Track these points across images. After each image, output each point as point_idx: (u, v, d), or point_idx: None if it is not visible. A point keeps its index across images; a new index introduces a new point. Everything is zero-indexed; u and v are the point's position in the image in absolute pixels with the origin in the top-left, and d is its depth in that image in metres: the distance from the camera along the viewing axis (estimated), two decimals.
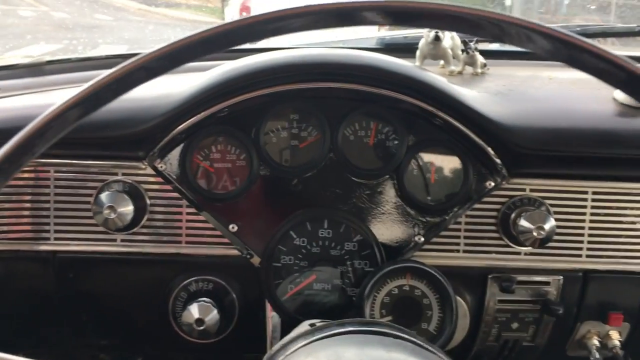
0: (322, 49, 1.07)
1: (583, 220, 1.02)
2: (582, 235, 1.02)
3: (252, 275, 1.01)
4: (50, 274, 1.01)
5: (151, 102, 0.96)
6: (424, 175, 1.02)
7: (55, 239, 0.99)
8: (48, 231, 0.99)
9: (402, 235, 1.02)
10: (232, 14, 8.84)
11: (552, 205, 1.01)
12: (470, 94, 1.02)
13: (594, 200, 1.02)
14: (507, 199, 1.01)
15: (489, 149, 0.98)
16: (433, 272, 0.94)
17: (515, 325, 1.06)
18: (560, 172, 1.02)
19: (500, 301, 1.04)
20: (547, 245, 1.00)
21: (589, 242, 1.03)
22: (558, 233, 1.00)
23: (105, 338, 1.10)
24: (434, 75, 1.01)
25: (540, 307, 1.04)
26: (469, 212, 1.01)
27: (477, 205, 1.01)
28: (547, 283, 1.04)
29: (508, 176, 1.00)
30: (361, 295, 0.94)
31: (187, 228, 1.00)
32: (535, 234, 0.97)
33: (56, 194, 0.98)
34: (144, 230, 0.99)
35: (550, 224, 0.98)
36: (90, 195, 0.97)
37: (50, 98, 1.03)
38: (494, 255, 1.02)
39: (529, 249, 1.02)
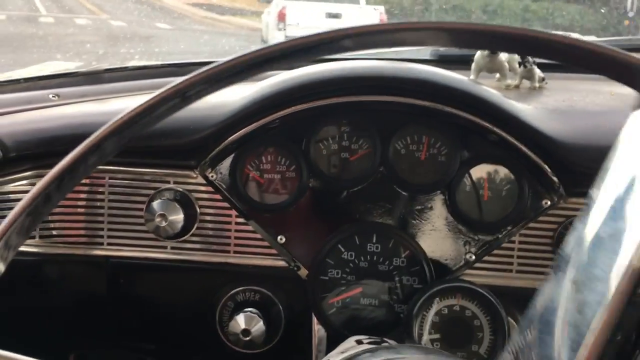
0: (375, 61, 1.06)
1: None
2: None
3: (299, 287, 1.00)
4: (102, 278, 1.03)
5: (204, 112, 0.97)
6: (476, 191, 0.99)
7: (109, 244, 1.01)
8: (102, 236, 1.01)
9: (452, 252, 1.00)
10: (270, 20, 8.76)
11: None
12: (527, 110, 0.99)
13: None
14: (564, 218, 0.97)
15: (546, 167, 0.95)
16: (485, 293, 0.91)
17: None
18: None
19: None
20: None
21: None
22: None
23: (152, 343, 1.12)
24: (490, 89, 0.99)
25: None
26: (523, 231, 0.98)
27: (532, 225, 0.98)
28: None
29: (566, 195, 0.96)
30: (410, 314, 0.92)
31: (236, 238, 1.01)
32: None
33: (110, 201, 1.00)
34: (194, 239, 1.00)
35: None
36: (142, 202, 0.99)
37: (108, 106, 1.05)
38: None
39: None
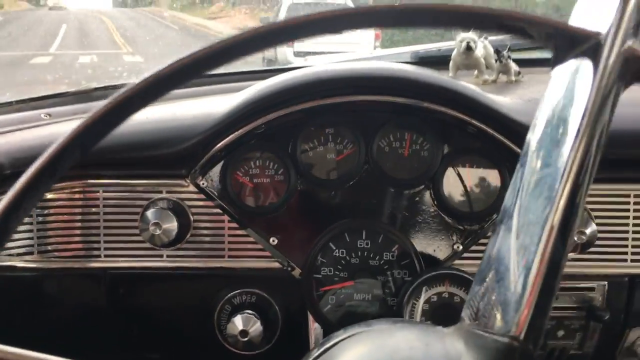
0: (354, 62, 1.10)
1: (626, 224, 1.01)
2: (626, 239, 1.01)
3: (294, 287, 1.03)
4: (101, 290, 1.05)
5: (191, 122, 1.00)
6: (460, 183, 1.02)
7: (106, 256, 1.03)
8: (99, 249, 1.03)
9: (440, 244, 1.02)
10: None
11: (593, 210, 1.00)
12: (503, 101, 1.03)
13: (636, 203, 1.00)
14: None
15: None
16: (471, 278, 0.94)
17: (560, 332, 1.05)
18: (601, 176, 1.00)
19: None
20: (590, 250, 0.99)
21: (634, 247, 1.01)
22: (600, 238, 0.99)
23: (154, 352, 1.14)
24: (466, 84, 1.03)
25: (585, 314, 1.03)
26: None
27: None
28: (591, 289, 1.02)
29: None
30: (400, 303, 0.95)
31: (230, 242, 1.03)
32: (576, 238, 0.97)
33: (105, 213, 1.02)
34: (189, 246, 1.03)
35: (591, 228, 0.97)
36: (137, 213, 1.02)
37: None
38: None
39: (571, 254, 1.01)
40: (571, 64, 0.42)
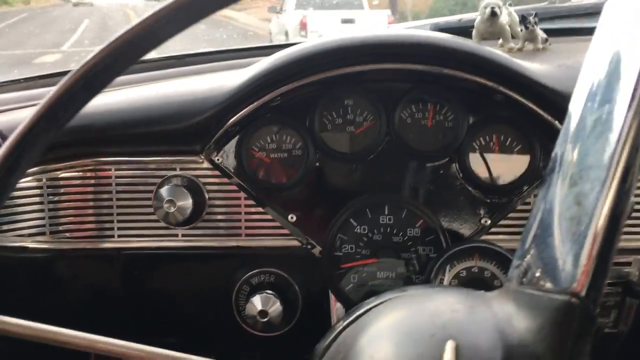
0: (373, 31, 1.05)
1: None
2: None
3: (314, 266, 0.99)
4: (115, 272, 1.02)
5: (204, 95, 0.96)
6: (487, 155, 0.97)
7: (119, 236, 1.00)
8: (112, 229, 1.00)
9: (467, 218, 0.98)
10: (291, 28, 9.18)
11: None
12: (532, 67, 0.97)
13: None
14: None
15: (557, 123, 0.93)
16: (502, 251, 0.89)
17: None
18: None
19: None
20: (626, 222, 0.94)
21: None
22: (637, 210, 0.94)
23: (171, 335, 1.11)
24: (492, 49, 0.97)
25: (621, 290, 0.97)
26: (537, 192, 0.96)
27: None
28: (627, 264, 0.97)
29: None
30: (427, 279, 0.90)
31: (247, 220, 1.00)
32: None
33: (118, 192, 0.99)
34: (204, 224, 0.99)
35: None
36: (150, 192, 0.98)
37: (105, 97, 1.04)
38: None
39: None
40: None
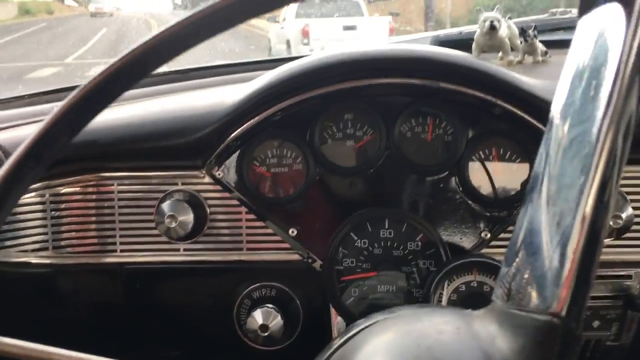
0: (372, 45, 1.06)
1: None
2: None
3: (315, 279, 0.99)
4: (118, 286, 1.03)
5: (205, 111, 0.97)
6: (486, 168, 0.98)
7: (122, 250, 1.01)
8: (114, 244, 1.01)
9: (467, 232, 0.98)
10: (292, 36, 9.20)
11: (629, 193, 0.95)
12: (530, 81, 0.98)
13: None
14: None
15: None
16: (501, 265, 0.89)
17: (596, 323, 0.99)
18: (637, 157, 0.95)
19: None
20: (626, 235, 0.94)
21: None
22: (637, 222, 0.94)
23: (173, 349, 1.11)
24: (490, 64, 0.98)
25: (622, 303, 0.97)
26: None
27: None
28: (628, 277, 0.97)
29: None
30: (426, 294, 0.91)
31: (248, 235, 1.00)
32: (611, 223, 0.91)
33: (120, 207, 1.00)
34: (206, 239, 1.00)
35: (627, 212, 0.92)
36: (152, 206, 0.99)
37: (109, 113, 1.05)
38: None
39: (606, 240, 0.95)
40: (600, 12, 0.38)
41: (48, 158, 0.40)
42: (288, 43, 9.38)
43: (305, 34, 8.99)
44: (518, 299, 0.36)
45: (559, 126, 0.38)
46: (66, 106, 0.40)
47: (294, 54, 8.88)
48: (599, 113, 0.34)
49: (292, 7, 9.57)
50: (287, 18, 9.66)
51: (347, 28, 9.16)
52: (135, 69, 0.40)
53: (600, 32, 0.37)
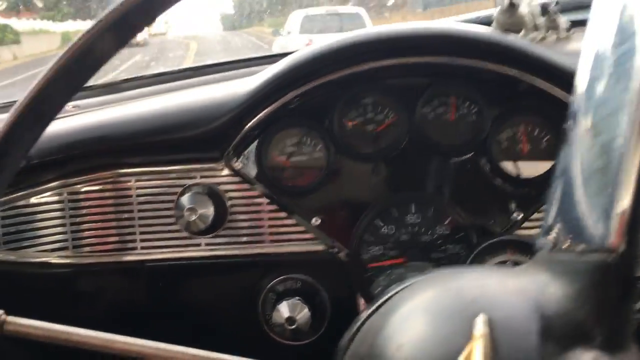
0: (385, 26, 1.03)
1: None
2: None
3: (341, 270, 0.96)
4: (140, 284, 1.01)
5: (220, 101, 0.95)
6: (515, 146, 0.94)
7: (142, 248, 0.98)
8: (134, 241, 0.98)
9: (498, 214, 0.94)
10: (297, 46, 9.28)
11: None
12: (556, 54, 0.94)
13: None
14: None
15: None
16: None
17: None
18: None
19: None
20: None
21: None
22: None
23: (198, 347, 1.08)
24: (512, 37, 0.94)
25: None
26: None
27: None
28: None
29: None
30: None
31: (270, 226, 0.97)
32: None
33: (139, 203, 0.98)
34: (227, 232, 0.97)
35: None
36: (172, 201, 0.97)
37: (124, 109, 1.04)
38: None
39: None
40: None
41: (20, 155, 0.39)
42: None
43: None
44: (567, 243, 0.33)
45: (598, 56, 0.35)
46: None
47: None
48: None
49: (297, 22, 9.60)
50: (292, 32, 9.68)
51: None
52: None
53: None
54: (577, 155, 0.33)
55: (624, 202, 0.29)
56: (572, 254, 0.32)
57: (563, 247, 0.33)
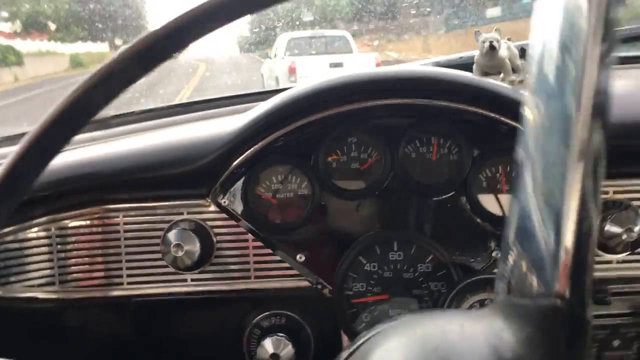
0: (370, 69, 1.06)
1: None
2: None
3: (325, 306, 0.97)
4: (126, 319, 1.01)
5: (208, 138, 0.97)
6: (494, 186, 0.96)
7: (129, 283, 0.99)
8: (121, 276, 0.99)
9: (478, 252, 0.96)
10: (280, 73, 9.35)
11: None
12: None
13: None
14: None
15: None
16: None
17: (616, 342, 0.96)
18: None
19: (596, 316, 0.95)
20: None
21: None
22: None
23: None
24: (493, 81, 0.98)
25: None
26: None
27: None
28: None
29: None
30: None
31: (255, 262, 0.99)
32: (625, 237, 0.90)
33: (126, 239, 0.99)
34: (213, 268, 0.99)
35: None
36: (159, 237, 0.98)
37: (114, 145, 1.06)
38: None
39: (621, 256, 0.93)
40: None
41: (22, 190, 0.39)
42: (277, 79, 9.56)
43: (292, 70, 9.12)
44: (519, 288, 0.35)
45: (536, 107, 0.37)
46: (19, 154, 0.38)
47: (281, 85, 9.00)
48: (570, 82, 0.32)
49: (283, 45, 9.71)
50: (278, 54, 9.80)
51: (333, 65, 9.25)
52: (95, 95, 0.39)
53: (561, 9, 0.36)
54: (525, 201, 0.35)
55: (568, 250, 0.31)
56: (526, 298, 0.34)
57: (517, 290, 0.35)
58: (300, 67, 9.12)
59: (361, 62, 9.58)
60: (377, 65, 9.46)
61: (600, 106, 0.31)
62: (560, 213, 0.31)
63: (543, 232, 0.32)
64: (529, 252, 0.34)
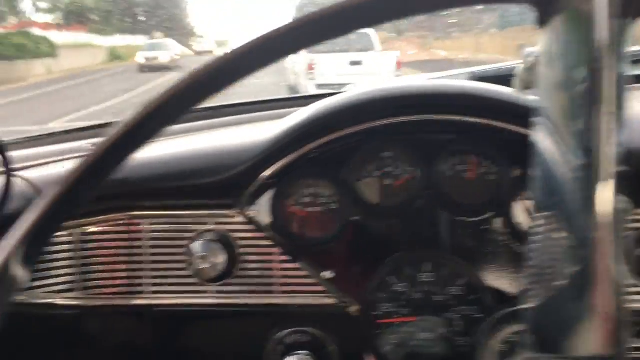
0: (411, 81, 1.02)
1: None
2: None
3: (351, 325, 0.94)
4: (147, 329, 0.99)
5: (237, 149, 0.95)
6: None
7: (151, 292, 0.97)
8: (143, 285, 0.97)
9: (513, 277, 0.92)
10: (299, 69, 9.35)
11: None
12: None
13: None
14: (635, 230, 0.89)
15: None
16: None
17: None
18: None
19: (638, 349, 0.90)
20: None
21: None
22: None
23: None
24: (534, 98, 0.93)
25: None
26: None
27: None
28: None
29: (633, 204, 0.88)
30: (475, 344, 0.85)
31: (281, 277, 0.96)
32: None
33: (150, 247, 0.97)
34: (237, 281, 0.96)
35: None
36: (183, 247, 0.96)
37: (140, 152, 1.03)
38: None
39: None
40: (561, 18, 0.36)
41: (85, 197, 0.38)
42: (297, 75, 9.61)
43: (310, 67, 9.15)
44: (552, 346, 0.32)
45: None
46: (105, 144, 0.38)
47: (301, 86, 8.98)
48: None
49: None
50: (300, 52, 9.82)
51: (353, 63, 9.27)
52: (175, 105, 0.37)
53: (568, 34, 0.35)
54: (546, 249, 0.33)
55: (603, 302, 0.28)
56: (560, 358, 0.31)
57: (550, 349, 0.32)
58: (319, 64, 9.13)
59: (381, 60, 9.53)
60: (398, 64, 9.38)
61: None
62: (585, 254, 0.28)
63: (573, 283, 0.30)
64: (562, 304, 0.31)
